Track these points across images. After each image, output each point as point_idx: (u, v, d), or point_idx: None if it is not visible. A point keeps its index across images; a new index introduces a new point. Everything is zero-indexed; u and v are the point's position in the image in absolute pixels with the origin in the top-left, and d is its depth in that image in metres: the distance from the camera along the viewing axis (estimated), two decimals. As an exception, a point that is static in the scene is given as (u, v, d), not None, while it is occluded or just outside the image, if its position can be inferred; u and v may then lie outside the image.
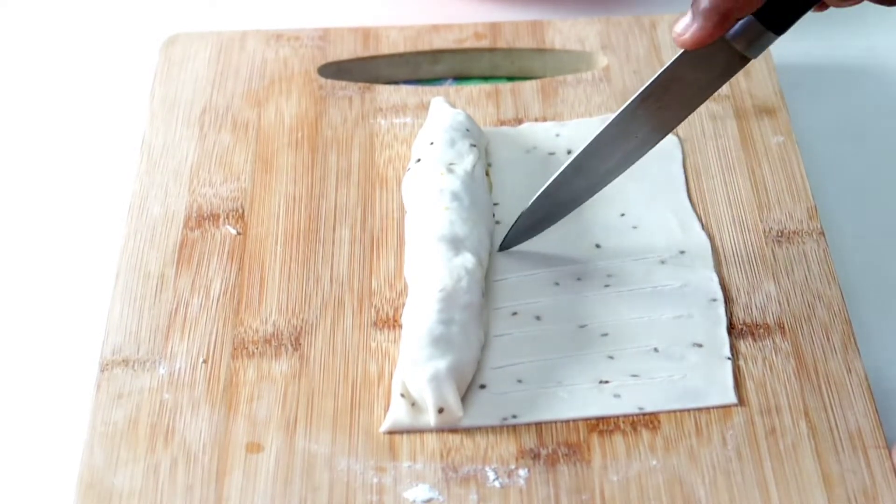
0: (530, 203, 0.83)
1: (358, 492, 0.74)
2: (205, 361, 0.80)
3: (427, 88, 0.96)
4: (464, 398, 0.77)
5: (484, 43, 0.99)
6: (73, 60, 1.04)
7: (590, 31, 1.00)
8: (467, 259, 0.81)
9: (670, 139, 0.91)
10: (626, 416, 0.76)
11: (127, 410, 0.77)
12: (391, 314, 0.82)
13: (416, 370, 0.76)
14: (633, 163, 0.82)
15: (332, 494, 0.73)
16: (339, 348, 0.80)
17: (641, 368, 0.79)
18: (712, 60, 0.78)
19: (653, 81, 0.79)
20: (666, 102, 0.80)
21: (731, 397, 0.77)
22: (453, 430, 0.76)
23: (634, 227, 0.86)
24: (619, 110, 0.80)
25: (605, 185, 0.83)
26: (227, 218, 0.87)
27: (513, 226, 0.84)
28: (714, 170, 0.90)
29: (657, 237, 0.86)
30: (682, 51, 0.77)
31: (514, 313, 0.82)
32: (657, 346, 0.80)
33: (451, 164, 0.86)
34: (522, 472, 0.74)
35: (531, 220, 0.84)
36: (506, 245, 0.85)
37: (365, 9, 1.07)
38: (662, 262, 0.84)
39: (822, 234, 0.86)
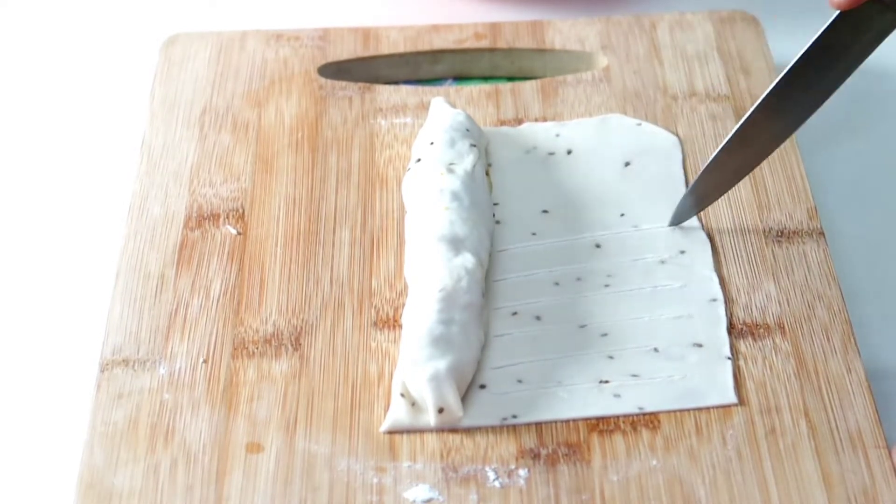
0: (696, 177, 0.84)
1: (358, 492, 0.74)
2: (205, 361, 0.80)
3: (427, 88, 0.96)
4: (464, 398, 0.77)
5: (484, 43, 0.99)
6: (73, 60, 1.04)
7: (590, 31, 1.00)
8: (467, 259, 0.81)
9: (670, 139, 0.91)
10: (626, 416, 0.76)
11: (127, 410, 0.77)
12: (391, 314, 0.82)
13: (416, 370, 0.76)
14: (795, 129, 0.82)
15: (332, 494, 0.73)
16: (340, 348, 0.80)
17: (641, 368, 0.79)
18: (867, 21, 0.77)
19: (809, 48, 0.78)
20: (824, 68, 0.79)
21: (731, 397, 0.77)
22: (453, 430, 0.76)
23: (634, 227, 0.86)
24: (777, 79, 0.80)
25: (770, 154, 0.83)
26: (228, 218, 0.87)
27: (681, 201, 0.85)
28: (714, 170, 0.90)
29: (657, 237, 0.86)
30: (836, 14, 0.77)
31: (514, 313, 0.82)
32: (657, 346, 0.80)
33: (451, 164, 0.86)
34: (522, 472, 0.74)
35: (700, 193, 0.84)
36: (675, 221, 0.85)
37: (365, 9, 1.07)
38: (662, 262, 0.84)
39: (822, 234, 0.86)
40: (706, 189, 0.84)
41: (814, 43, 0.78)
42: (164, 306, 0.82)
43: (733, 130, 0.82)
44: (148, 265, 0.85)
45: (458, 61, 0.99)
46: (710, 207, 0.87)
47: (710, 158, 0.83)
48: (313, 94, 0.95)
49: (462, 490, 0.74)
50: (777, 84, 0.80)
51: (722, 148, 0.83)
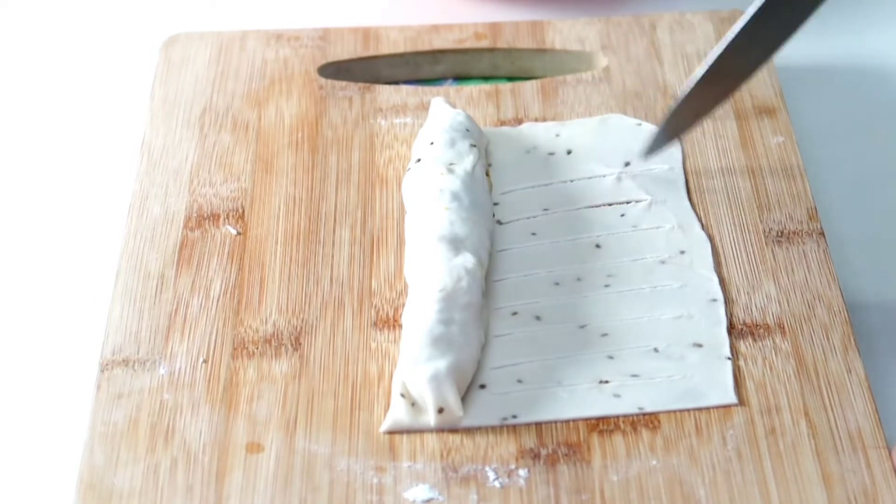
0: (671, 108, 0.83)
1: (358, 492, 0.74)
2: (205, 361, 0.80)
3: (427, 88, 0.96)
4: (464, 398, 0.77)
5: (484, 43, 0.99)
6: (73, 61, 1.04)
7: (590, 31, 1.00)
8: (467, 259, 0.81)
9: (670, 139, 0.91)
10: (626, 416, 0.76)
11: (127, 410, 0.77)
12: (391, 314, 0.82)
13: (416, 370, 0.76)
14: (769, 59, 0.81)
15: (332, 494, 0.73)
16: (339, 348, 0.80)
17: (641, 368, 0.79)
18: None
19: None
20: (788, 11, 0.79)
21: (731, 397, 0.77)
22: (453, 430, 0.76)
23: (634, 227, 0.86)
24: (743, 16, 0.80)
25: (742, 85, 0.82)
26: (228, 218, 0.87)
27: (658, 131, 0.83)
28: (714, 170, 0.90)
29: (657, 237, 0.86)
30: None
31: (514, 313, 0.82)
32: (657, 347, 0.80)
33: (451, 164, 0.86)
34: (522, 472, 0.74)
35: (672, 127, 0.83)
36: (650, 151, 0.84)
37: (365, 9, 1.07)
38: (662, 262, 0.84)
39: (822, 234, 0.86)
40: (679, 121, 0.83)
41: None
42: (164, 306, 0.82)
43: (705, 65, 0.81)
44: (148, 265, 0.85)
45: (458, 61, 0.99)
46: (710, 207, 0.87)
47: (685, 88, 0.82)
48: (313, 94, 0.95)
49: (462, 490, 0.74)
50: (745, 22, 0.79)
51: (695, 79, 0.81)
